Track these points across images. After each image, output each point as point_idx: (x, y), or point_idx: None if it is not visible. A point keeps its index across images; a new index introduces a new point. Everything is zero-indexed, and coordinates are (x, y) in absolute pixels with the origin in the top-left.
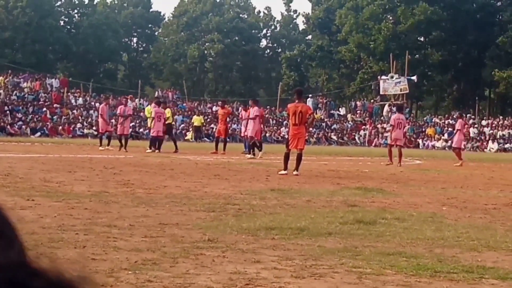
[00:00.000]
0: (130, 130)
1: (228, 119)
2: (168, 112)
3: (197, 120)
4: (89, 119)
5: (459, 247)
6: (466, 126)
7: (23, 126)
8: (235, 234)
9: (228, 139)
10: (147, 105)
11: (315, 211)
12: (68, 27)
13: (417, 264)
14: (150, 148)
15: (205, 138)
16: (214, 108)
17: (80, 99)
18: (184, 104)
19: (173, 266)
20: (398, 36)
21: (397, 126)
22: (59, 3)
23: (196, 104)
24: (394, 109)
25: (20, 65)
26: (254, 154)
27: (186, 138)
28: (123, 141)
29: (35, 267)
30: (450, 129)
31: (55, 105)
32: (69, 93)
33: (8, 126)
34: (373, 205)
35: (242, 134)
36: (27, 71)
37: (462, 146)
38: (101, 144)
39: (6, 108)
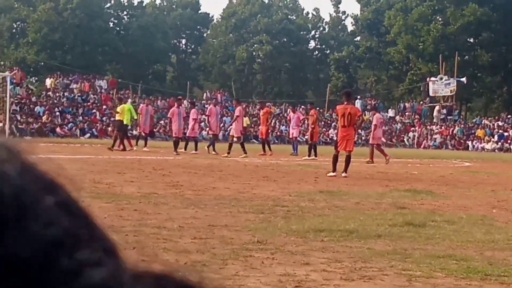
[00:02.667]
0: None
1: (269, 120)
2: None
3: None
4: (138, 121)
5: (510, 250)
6: None
7: (73, 128)
8: (284, 236)
9: (276, 141)
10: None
11: (364, 213)
12: (117, 28)
13: (467, 267)
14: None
15: (253, 140)
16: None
17: (129, 100)
18: (233, 106)
19: (223, 268)
20: (448, 37)
21: (380, 126)
22: (108, 5)
23: (244, 106)
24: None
25: (70, 67)
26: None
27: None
28: (192, 144)
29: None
30: (500, 131)
31: (104, 107)
32: (118, 95)
33: (58, 128)
34: (422, 208)
35: (290, 136)
36: (77, 72)
37: None
38: (137, 144)
39: (56, 109)
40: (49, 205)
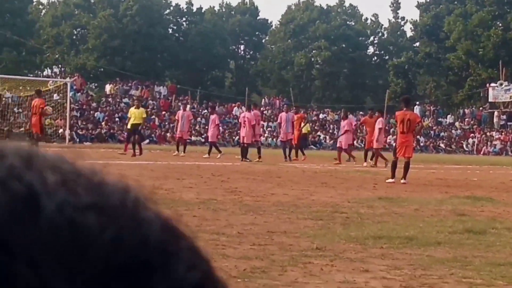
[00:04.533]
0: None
1: (302, 125)
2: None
3: (304, 127)
4: (197, 127)
5: None
6: None
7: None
8: (343, 242)
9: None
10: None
11: (424, 220)
12: (177, 35)
13: None
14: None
15: (312, 146)
16: (321, 116)
17: (188, 106)
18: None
19: (282, 275)
20: (508, 42)
21: (352, 131)
22: (167, 11)
23: (303, 112)
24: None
25: (130, 73)
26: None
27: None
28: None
29: None
30: None
31: (163, 112)
32: (177, 101)
33: (118, 133)
34: (482, 215)
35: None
36: (136, 78)
37: None
38: (177, 150)
39: (115, 115)
40: (187, 248)
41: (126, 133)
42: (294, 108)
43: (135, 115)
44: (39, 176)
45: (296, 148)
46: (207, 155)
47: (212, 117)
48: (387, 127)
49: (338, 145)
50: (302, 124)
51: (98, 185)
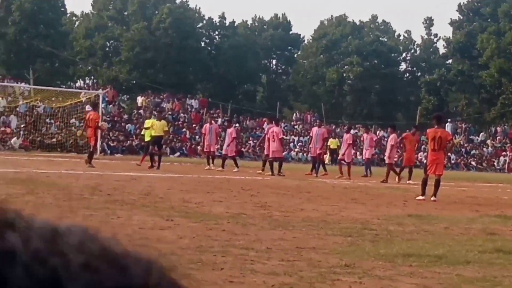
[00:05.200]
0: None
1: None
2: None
3: (333, 143)
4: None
5: None
6: None
7: (163, 146)
8: (372, 260)
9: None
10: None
11: (453, 238)
12: (209, 48)
13: None
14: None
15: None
16: (352, 131)
17: (219, 119)
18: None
19: None
20: None
21: (396, 146)
22: (200, 24)
23: (333, 127)
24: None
25: (162, 85)
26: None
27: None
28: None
29: None
30: None
31: (194, 125)
32: (208, 114)
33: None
34: None
35: (363, 157)
36: (168, 91)
37: None
38: (208, 163)
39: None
40: None
41: (143, 144)
42: (318, 122)
43: (156, 126)
44: (62, 260)
45: (316, 163)
46: (221, 168)
47: (229, 130)
48: (419, 144)
49: (387, 161)
50: (330, 140)
51: (122, 266)
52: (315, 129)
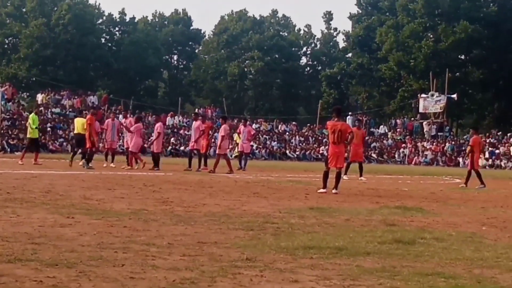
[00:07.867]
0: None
1: (210, 134)
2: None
3: (238, 138)
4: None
5: (499, 268)
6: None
7: (64, 143)
8: (273, 253)
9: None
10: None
11: (354, 230)
12: (109, 44)
13: (455, 285)
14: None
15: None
16: (254, 126)
17: (121, 116)
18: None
19: (211, 285)
20: (439, 54)
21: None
22: (100, 20)
23: (236, 122)
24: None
25: (62, 82)
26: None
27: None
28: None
29: None
30: (491, 148)
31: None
32: (109, 110)
33: (49, 143)
34: (412, 225)
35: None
36: (68, 88)
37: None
38: (106, 160)
39: (47, 125)
40: None
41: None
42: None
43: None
44: None
45: (202, 157)
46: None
47: (157, 125)
48: (320, 137)
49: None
50: (211, 133)
51: None
52: (241, 127)
